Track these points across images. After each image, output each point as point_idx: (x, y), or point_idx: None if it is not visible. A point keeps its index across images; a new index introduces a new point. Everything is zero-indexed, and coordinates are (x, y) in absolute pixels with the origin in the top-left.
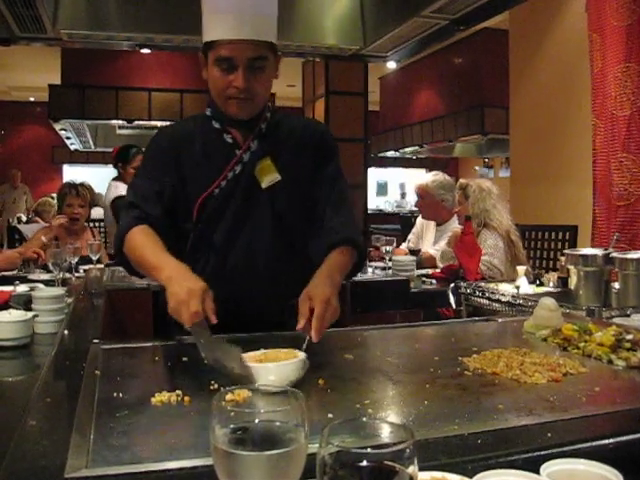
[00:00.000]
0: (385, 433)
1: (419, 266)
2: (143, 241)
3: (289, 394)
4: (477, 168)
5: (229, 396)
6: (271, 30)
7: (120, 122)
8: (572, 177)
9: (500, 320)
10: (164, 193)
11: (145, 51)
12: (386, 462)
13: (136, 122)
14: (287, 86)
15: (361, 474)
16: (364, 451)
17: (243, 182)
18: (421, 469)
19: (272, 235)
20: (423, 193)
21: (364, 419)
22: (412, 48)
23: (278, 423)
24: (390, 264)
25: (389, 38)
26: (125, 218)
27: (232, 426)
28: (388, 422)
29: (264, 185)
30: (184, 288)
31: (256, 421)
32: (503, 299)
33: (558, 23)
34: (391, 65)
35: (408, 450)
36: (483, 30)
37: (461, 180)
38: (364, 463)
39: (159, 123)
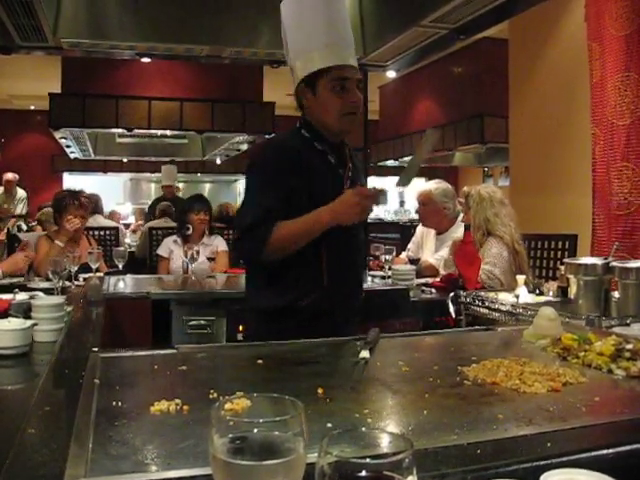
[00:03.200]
0: (384, 443)
1: (419, 275)
2: (285, 223)
3: (288, 403)
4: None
5: (228, 405)
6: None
7: (120, 131)
8: (572, 186)
9: (500, 329)
10: (282, 200)
11: (145, 60)
12: (385, 472)
13: (136, 131)
14: (287, 95)
15: None
16: (363, 461)
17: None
18: (420, 479)
19: (363, 236)
20: (425, 200)
21: (363, 429)
22: (412, 57)
23: (277, 433)
24: (390, 273)
25: (389, 47)
26: (255, 239)
27: (231, 435)
28: (387, 432)
29: None
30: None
31: (255, 431)
32: (503, 308)
33: (557, 32)
34: (391, 74)
35: (407, 460)
36: (483, 39)
37: (465, 188)
38: (363, 473)
39: (159, 132)
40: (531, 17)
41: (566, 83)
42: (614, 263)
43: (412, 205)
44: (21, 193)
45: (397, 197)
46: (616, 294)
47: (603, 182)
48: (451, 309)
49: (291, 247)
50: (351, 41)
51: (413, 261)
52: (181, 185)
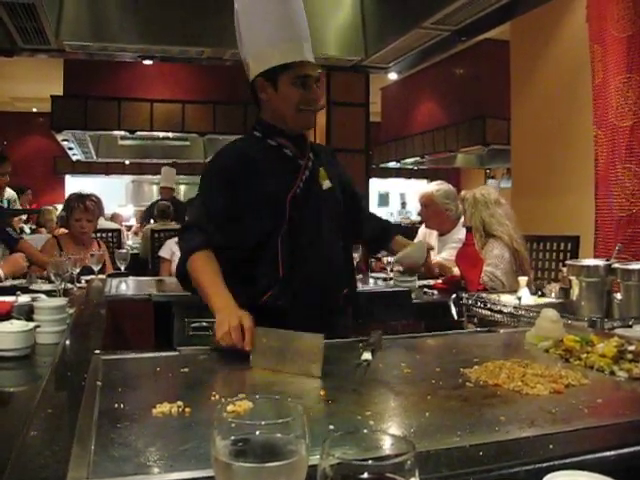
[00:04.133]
0: (386, 445)
1: (421, 277)
2: (204, 267)
3: (290, 405)
4: (490, 182)
5: (230, 407)
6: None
7: (122, 133)
8: (574, 187)
9: (502, 331)
10: (222, 215)
11: (147, 62)
12: (387, 474)
13: (138, 133)
14: None
15: None
16: (365, 463)
17: (312, 186)
18: None
19: (336, 232)
20: (428, 202)
21: (365, 431)
22: (413, 59)
23: (279, 435)
24: (392, 275)
25: (390, 49)
26: (189, 241)
27: (233, 437)
28: (389, 434)
29: (324, 188)
30: (230, 318)
31: (257, 433)
32: (505, 310)
33: (559, 34)
34: (392, 76)
35: (409, 462)
36: (484, 41)
37: (462, 192)
38: (365, 475)
39: (161, 134)
40: (532, 19)
41: (568, 85)
42: (616, 265)
43: (414, 207)
44: (10, 194)
45: (399, 199)
46: (618, 296)
47: (605, 183)
48: (453, 311)
49: (192, 281)
50: (308, 37)
51: None
52: (183, 187)
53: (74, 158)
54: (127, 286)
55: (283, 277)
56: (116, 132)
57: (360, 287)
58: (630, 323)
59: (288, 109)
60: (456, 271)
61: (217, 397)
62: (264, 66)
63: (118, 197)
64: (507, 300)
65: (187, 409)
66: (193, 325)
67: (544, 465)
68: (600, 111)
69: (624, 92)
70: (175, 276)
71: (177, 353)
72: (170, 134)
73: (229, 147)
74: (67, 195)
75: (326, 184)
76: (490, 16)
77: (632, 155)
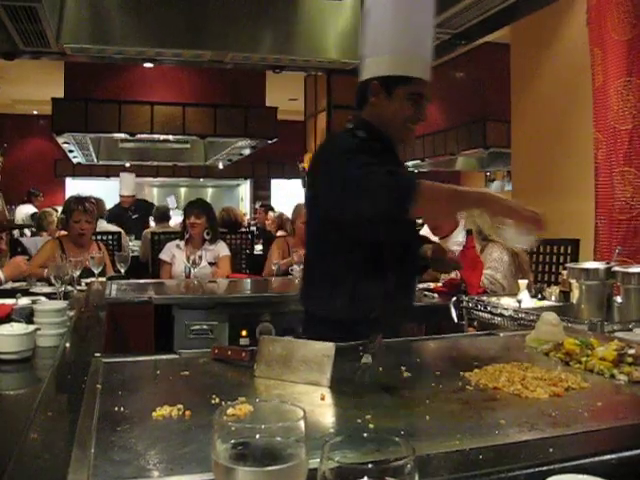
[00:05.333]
0: (386, 448)
1: (421, 280)
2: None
3: (290, 409)
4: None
5: (231, 411)
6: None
7: (123, 135)
8: (574, 190)
9: (502, 334)
10: None
11: (148, 65)
12: (387, 478)
13: (138, 135)
14: (289, 100)
15: None
16: (364, 467)
17: None
18: None
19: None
20: None
21: (365, 434)
22: None
23: (279, 438)
24: None
25: None
26: (403, 177)
27: (233, 441)
28: (389, 437)
29: None
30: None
31: (257, 436)
32: (505, 313)
33: (559, 37)
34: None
35: (409, 466)
36: (485, 44)
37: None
38: (365, 479)
39: (162, 137)
40: (532, 22)
41: (568, 88)
42: (616, 268)
43: None
44: None
45: None
46: (618, 299)
47: (605, 186)
48: (453, 314)
49: (436, 205)
50: (429, 55)
51: None
52: (183, 190)
53: (75, 161)
54: (127, 289)
55: (388, 297)
56: (117, 135)
57: None
58: (630, 326)
59: (395, 120)
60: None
61: (217, 400)
62: (385, 72)
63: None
64: (507, 303)
65: (187, 412)
66: (193, 328)
67: (544, 469)
68: (600, 114)
69: (624, 95)
70: (396, 204)
71: (177, 356)
72: (170, 137)
73: (343, 138)
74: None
75: None
76: (490, 20)
77: (632, 158)
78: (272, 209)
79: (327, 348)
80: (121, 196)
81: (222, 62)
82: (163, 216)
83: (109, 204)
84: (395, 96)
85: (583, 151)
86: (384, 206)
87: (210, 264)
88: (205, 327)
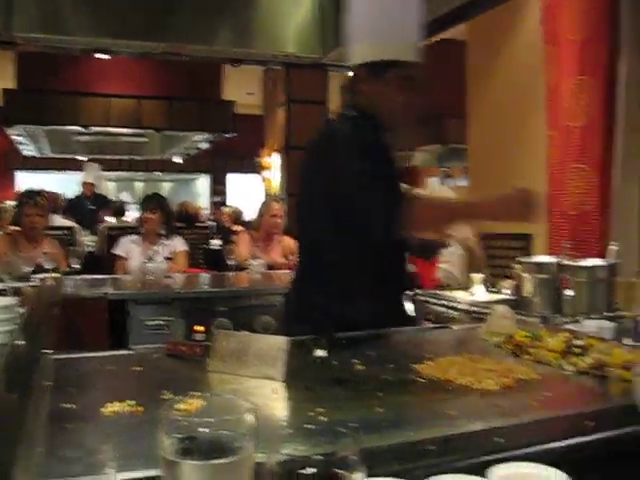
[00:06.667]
0: (333, 440)
1: None
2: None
3: (238, 403)
4: (432, 180)
5: (182, 406)
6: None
7: (78, 128)
8: (528, 186)
9: (455, 327)
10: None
11: (102, 56)
12: (332, 469)
13: (94, 128)
14: (247, 94)
15: None
16: (311, 458)
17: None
18: (371, 476)
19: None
20: None
21: (311, 426)
22: None
23: (226, 432)
24: None
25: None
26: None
27: (180, 435)
28: (335, 429)
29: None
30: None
31: (204, 430)
32: (459, 306)
33: (514, 35)
34: (351, 74)
35: (354, 457)
36: (442, 41)
37: (415, 191)
38: (310, 470)
39: (117, 129)
40: (489, 19)
41: (523, 85)
42: (566, 261)
43: None
44: None
45: None
46: (569, 292)
47: (558, 183)
48: (408, 307)
49: (427, 226)
50: (418, 36)
51: None
52: (140, 184)
53: (25, 153)
54: (82, 284)
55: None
56: (72, 127)
57: None
58: (579, 319)
59: (390, 106)
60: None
61: (170, 396)
62: (374, 57)
63: (73, 194)
64: (461, 297)
65: (139, 408)
66: (149, 323)
67: (491, 457)
68: (553, 112)
69: (577, 94)
70: (384, 230)
71: (130, 352)
72: (126, 130)
73: (338, 123)
74: (18, 191)
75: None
76: (447, 17)
77: (584, 155)
78: (224, 204)
79: (281, 342)
80: (84, 183)
81: (179, 55)
82: (119, 211)
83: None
84: (387, 81)
85: (537, 148)
86: (373, 229)
87: (166, 259)
88: (161, 323)
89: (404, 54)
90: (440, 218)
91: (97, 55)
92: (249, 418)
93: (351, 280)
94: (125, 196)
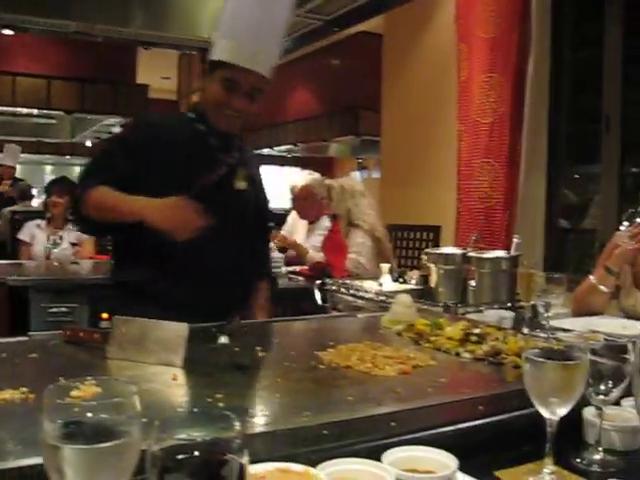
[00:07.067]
0: (217, 424)
1: (288, 263)
2: (112, 191)
3: (123, 386)
4: (354, 174)
5: (75, 392)
6: (272, 68)
7: None
8: (437, 179)
9: (360, 316)
10: (127, 168)
11: (7, 32)
12: (216, 453)
13: None
14: (162, 78)
15: (191, 465)
16: (193, 442)
17: (224, 182)
18: (265, 460)
19: (239, 235)
20: (306, 194)
21: (195, 410)
22: (287, 46)
23: (111, 416)
24: None
25: None
26: (86, 181)
27: (62, 420)
28: (220, 413)
29: (236, 187)
30: (167, 208)
31: (88, 415)
32: (366, 296)
33: (429, 31)
34: None
35: (237, 441)
36: (359, 34)
37: (327, 181)
38: (193, 454)
39: (24, 110)
40: (405, 14)
41: (435, 80)
42: (471, 253)
43: (272, 191)
44: None
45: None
46: (473, 283)
47: (467, 176)
48: (317, 296)
49: (102, 214)
50: (271, 45)
51: (282, 249)
52: (49, 167)
53: None
54: None
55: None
56: None
57: None
58: (482, 308)
59: (210, 104)
60: (319, 257)
61: (64, 383)
62: (213, 55)
63: None
64: (369, 286)
65: (31, 396)
66: (51, 310)
67: (385, 442)
68: (464, 107)
69: (486, 90)
70: (73, 215)
71: (27, 338)
72: (34, 111)
73: (157, 116)
74: None
75: (241, 185)
76: (362, 8)
77: (491, 151)
78: None
79: (181, 329)
80: (2, 165)
81: (90, 35)
82: (24, 195)
83: None
84: (213, 79)
85: (447, 142)
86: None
87: (72, 244)
88: (64, 310)
89: (238, 58)
90: (111, 209)
91: (3, 31)
92: (134, 400)
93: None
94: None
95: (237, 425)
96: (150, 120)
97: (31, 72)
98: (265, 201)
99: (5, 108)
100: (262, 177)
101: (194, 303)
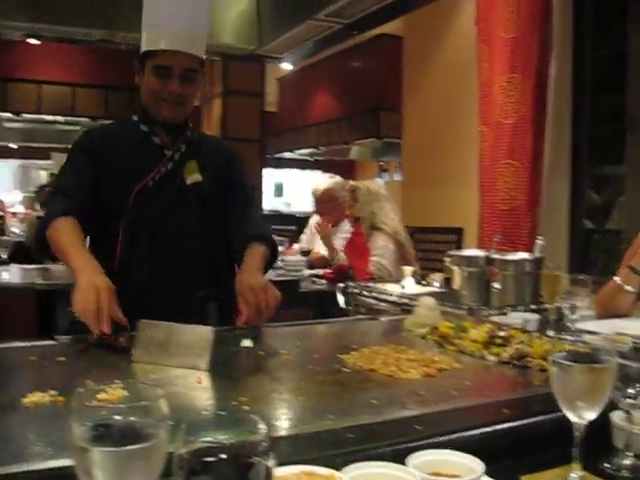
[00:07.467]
0: (248, 428)
1: (311, 266)
2: (67, 230)
3: (151, 390)
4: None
5: (102, 395)
6: (202, 47)
7: (8, 115)
8: (460, 181)
9: (383, 319)
10: (87, 186)
11: (33, 42)
12: (243, 456)
13: (24, 115)
14: None
15: (217, 468)
16: (220, 445)
17: (172, 178)
18: (291, 463)
19: (197, 227)
20: (328, 197)
21: (222, 413)
22: (307, 50)
23: (139, 419)
24: (281, 264)
25: (284, 39)
26: (54, 206)
27: (91, 423)
28: (247, 416)
29: (188, 182)
30: (91, 289)
31: (116, 417)
32: (389, 299)
33: (450, 32)
34: (287, 66)
35: (265, 444)
36: (380, 36)
37: (351, 182)
38: (220, 457)
39: (50, 117)
40: (425, 16)
41: (456, 81)
42: (495, 255)
43: (293, 194)
44: None
45: (272, 186)
46: (496, 285)
47: (489, 178)
48: (340, 300)
49: (53, 246)
50: (193, 25)
51: (305, 252)
52: None
53: None
54: (9, 275)
55: (119, 271)
56: (1, 114)
57: None
58: (505, 311)
59: (148, 98)
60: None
61: (92, 386)
62: (141, 48)
63: (3, 182)
64: (392, 289)
65: (60, 398)
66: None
67: (410, 445)
68: (485, 108)
69: (507, 91)
70: (33, 240)
71: (55, 342)
72: (60, 118)
73: (103, 126)
74: None
75: (192, 178)
76: (381, 11)
77: (514, 152)
78: None
79: (206, 332)
80: (51, 174)
81: (112, 42)
82: None
83: None
84: (146, 72)
85: (469, 143)
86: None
87: None
88: None
89: (161, 42)
90: (61, 255)
91: (29, 40)
92: (161, 403)
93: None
94: None
95: (263, 428)
96: (103, 130)
97: (56, 80)
98: (236, 182)
99: (31, 115)
100: (232, 159)
101: (141, 305)
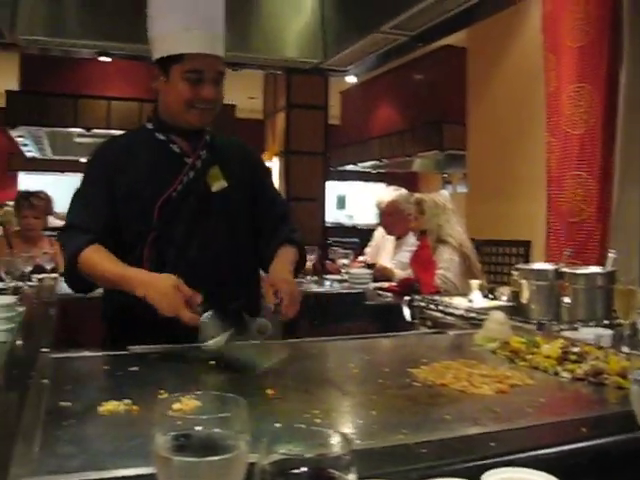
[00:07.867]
0: (325, 441)
1: (376, 279)
2: (102, 257)
3: (231, 401)
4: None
5: (177, 405)
6: (224, 49)
7: (79, 130)
8: (527, 193)
9: (451, 333)
10: (108, 202)
11: (104, 59)
12: (324, 469)
13: (95, 131)
14: (248, 98)
15: None
16: (302, 458)
17: (196, 187)
18: (365, 477)
19: (225, 235)
20: (392, 209)
21: (303, 426)
22: (372, 63)
23: (220, 430)
24: (346, 277)
25: (349, 52)
26: (74, 240)
27: (174, 433)
28: (328, 430)
29: (214, 189)
30: (168, 289)
31: (198, 428)
32: (456, 312)
33: (515, 42)
34: (351, 79)
35: (347, 458)
36: (443, 47)
37: (416, 195)
38: (302, 470)
39: (119, 132)
40: (489, 26)
41: (522, 92)
42: (565, 269)
43: (355, 207)
44: None
45: (335, 198)
46: (567, 299)
47: (557, 190)
48: (406, 313)
49: (92, 276)
50: (218, 27)
51: (370, 265)
52: None
53: (28, 155)
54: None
55: None
56: (72, 129)
57: (315, 289)
58: (576, 326)
59: (177, 104)
60: (405, 274)
61: (165, 395)
62: (158, 53)
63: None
64: (459, 303)
65: (134, 407)
66: None
67: (485, 462)
68: (553, 119)
69: (576, 101)
70: (64, 281)
71: (127, 352)
72: None
73: (114, 139)
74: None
75: (218, 185)
76: (447, 23)
77: (583, 162)
78: None
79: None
80: None
81: None
82: None
83: (63, 200)
84: (173, 77)
85: (536, 154)
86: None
87: None
88: None
89: (189, 46)
90: (100, 278)
91: (100, 58)
92: (242, 415)
93: None
94: None
95: (345, 442)
96: (115, 145)
97: (124, 96)
98: (264, 184)
99: (101, 131)
100: (255, 160)
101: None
